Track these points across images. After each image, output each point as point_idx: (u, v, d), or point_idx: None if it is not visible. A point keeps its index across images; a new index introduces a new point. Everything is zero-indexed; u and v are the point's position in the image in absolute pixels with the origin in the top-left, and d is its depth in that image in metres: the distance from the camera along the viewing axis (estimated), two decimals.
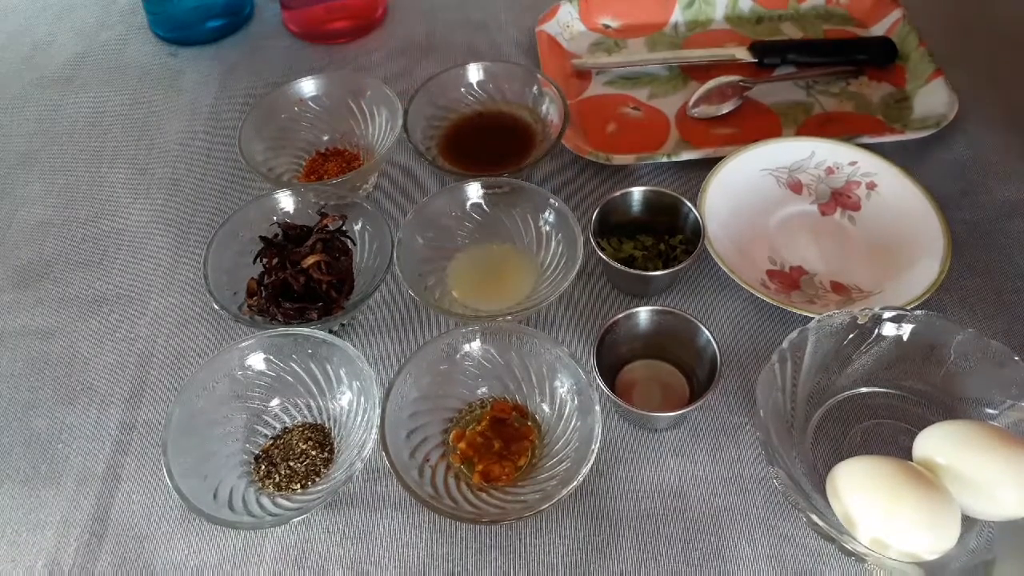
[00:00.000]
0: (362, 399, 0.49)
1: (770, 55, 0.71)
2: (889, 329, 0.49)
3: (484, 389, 0.52)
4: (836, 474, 0.44)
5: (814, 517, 0.42)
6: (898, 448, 0.47)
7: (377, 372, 0.54)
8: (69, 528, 0.49)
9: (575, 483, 0.43)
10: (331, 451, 0.50)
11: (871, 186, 0.60)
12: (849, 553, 0.42)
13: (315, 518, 0.48)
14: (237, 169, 0.67)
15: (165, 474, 0.45)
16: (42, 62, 0.79)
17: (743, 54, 0.72)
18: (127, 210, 0.66)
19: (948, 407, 0.49)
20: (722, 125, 0.68)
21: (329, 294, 0.54)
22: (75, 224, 0.65)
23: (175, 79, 0.76)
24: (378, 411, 0.46)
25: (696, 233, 0.55)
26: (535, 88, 0.66)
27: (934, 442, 0.44)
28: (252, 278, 0.55)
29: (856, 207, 0.60)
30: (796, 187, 0.62)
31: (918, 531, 0.40)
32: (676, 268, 0.54)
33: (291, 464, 0.49)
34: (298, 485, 0.48)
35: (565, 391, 0.49)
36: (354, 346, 0.50)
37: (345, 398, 0.50)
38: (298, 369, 0.51)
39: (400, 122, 0.62)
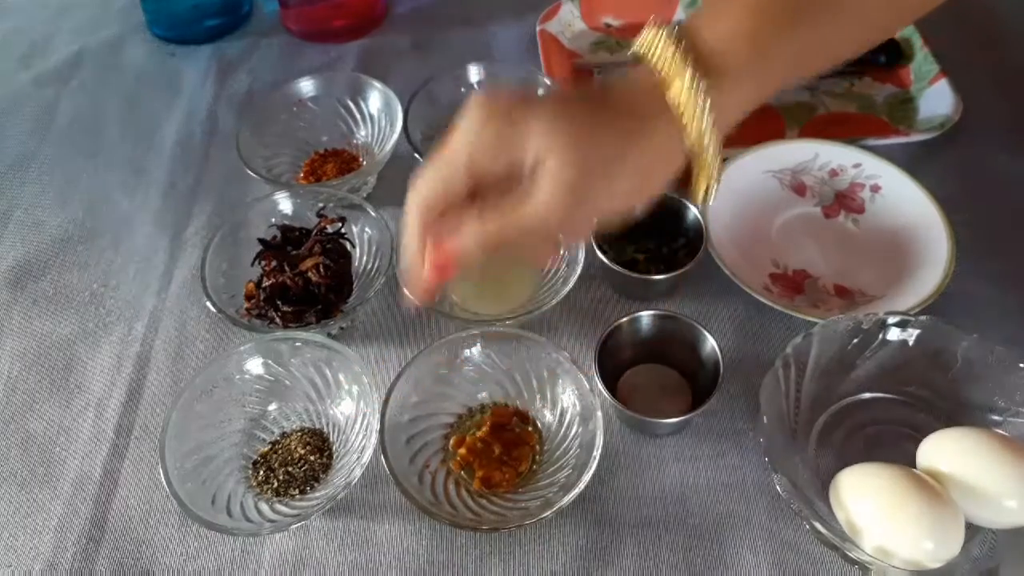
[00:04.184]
0: (361, 404, 0.48)
1: None
2: (894, 334, 0.48)
3: (484, 394, 0.51)
4: (839, 481, 0.44)
5: (817, 524, 0.41)
6: (902, 455, 0.47)
7: (376, 377, 0.54)
8: (66, 532, 0.48)
9: (576, 490, 0.43)
10: (330, 456, 0.50)
11: (875, 188, 0.60)
12: (852, 561, 0.42)
13: (313, 524, 0.48)
14: (235, 170, 0.67)
15: (163, 479, 0.44)
16: (39, 61, 0.79)
17: None
18: (124, 211, 0.65)
19: (952, 413, 0.48)
20: None
21: (328, 297, 0.53)
22: (72, 225, 0.64)
23: (173, 78, 0.76)
24: (377, 416, 0.46)
25: (698, 236, 0.55)
26: (537, 88, 0.66)
27: (938, 449, 0.44)
28: (250, 281, 0.55)
29: (860, 210, 0.60)
30: (799, 189, 0.61)
31: (922, 539, 0.40)
32: (678, 272, 0.53)
33: (289, 469, 0.48)
34: (296, 490, 0.48)
35: (566, 396, 0.49)
36: (353, 350, 0.50)
37: (344, 403, 0.50)
38: (296, 373, 0.51)
39: (400, 123, 0.62)
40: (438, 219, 0.37)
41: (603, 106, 0.36)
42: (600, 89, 0.38)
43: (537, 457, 0.49)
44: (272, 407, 0.51)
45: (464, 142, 0.36)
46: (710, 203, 0.39)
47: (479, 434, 0.49)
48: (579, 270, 0.52)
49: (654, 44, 0.36)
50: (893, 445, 0.48)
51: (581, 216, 0.37)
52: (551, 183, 0.34)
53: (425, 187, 0.37)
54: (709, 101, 0.35)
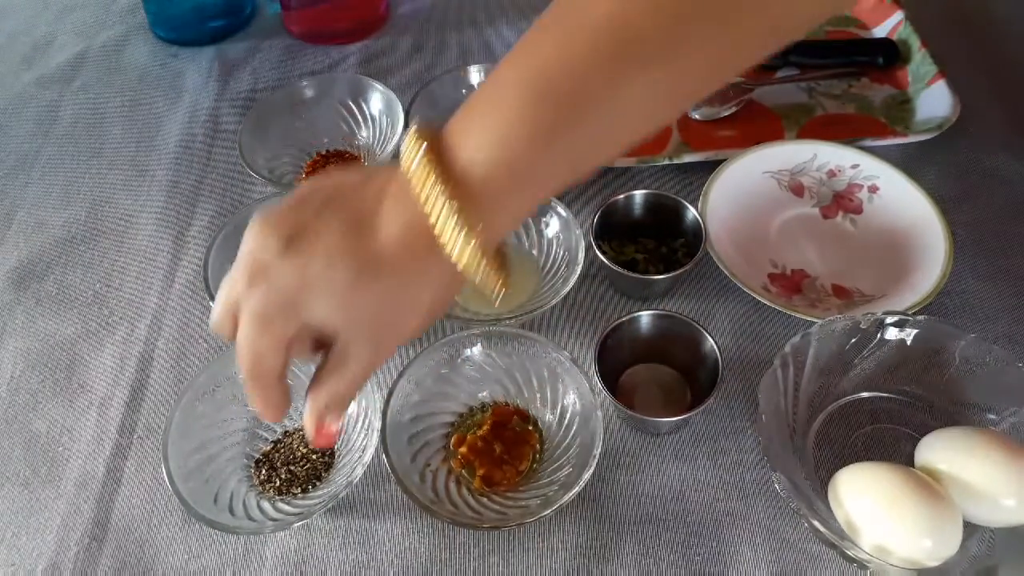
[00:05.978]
0: (363, 403, 0.49)
1: (772, 57, 0.71)
2: (891, 333, 0.49)
3: (485, 393, 0.52)
4: (838, 480, 0.44)
5: (816, 523, 0.41)
6: (900, 454, 0.47)
7: (378, 376, 0.54)
8: (69, 532, 0.49)
9: (577, 489, 0.43)
10: (332, 455, 0.50)
11: (873, 189, 0.60)
12: (851, 559, 0.42)
13: (316, 523, 0.48)
14: (237, 171, 0.67)
15: (165, 478, 0.45)
16: (42, 62, 0.79)
17: None
18: (127, 211, 0.65)
19: (950, 413, 0.49)
20: (724, 127, 0.68)
21: None
22: (75, 225, 0.65)
23: (175, 80, 0.76)
24: (379, 415, 0.46)
25: (697, 236, 0.55)
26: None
27: (936, 448, 0.44)
28: None
29: (858, 210, 0.60)
30: (798, 190, 0.61)
31: (920, 537, 0.40)
32: (678, 272, 0.53)
33: (292, 468, 0.49)
34: (299, 489, 0.48)
35: (567, 396, 0.49)
36: None
37: None
38: (298, 372, 0.51)
39: (401, 124, 0.62)
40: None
41: (370, 265, 0.34)
42: (361, 229, 0.34)
43: (537, 456, 0.49)
44: None
45: (249, 351, 0.37)
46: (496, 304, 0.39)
47: (480, 433, 0.49)
48: (579, 270, 0.53)
49: (411, 160, 0.33)
50: (891, 444, 0.49)
51: (390, 353, 0.38)
52: (355, 359, 0.36)
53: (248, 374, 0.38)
54: (471, 237, 0.33)
